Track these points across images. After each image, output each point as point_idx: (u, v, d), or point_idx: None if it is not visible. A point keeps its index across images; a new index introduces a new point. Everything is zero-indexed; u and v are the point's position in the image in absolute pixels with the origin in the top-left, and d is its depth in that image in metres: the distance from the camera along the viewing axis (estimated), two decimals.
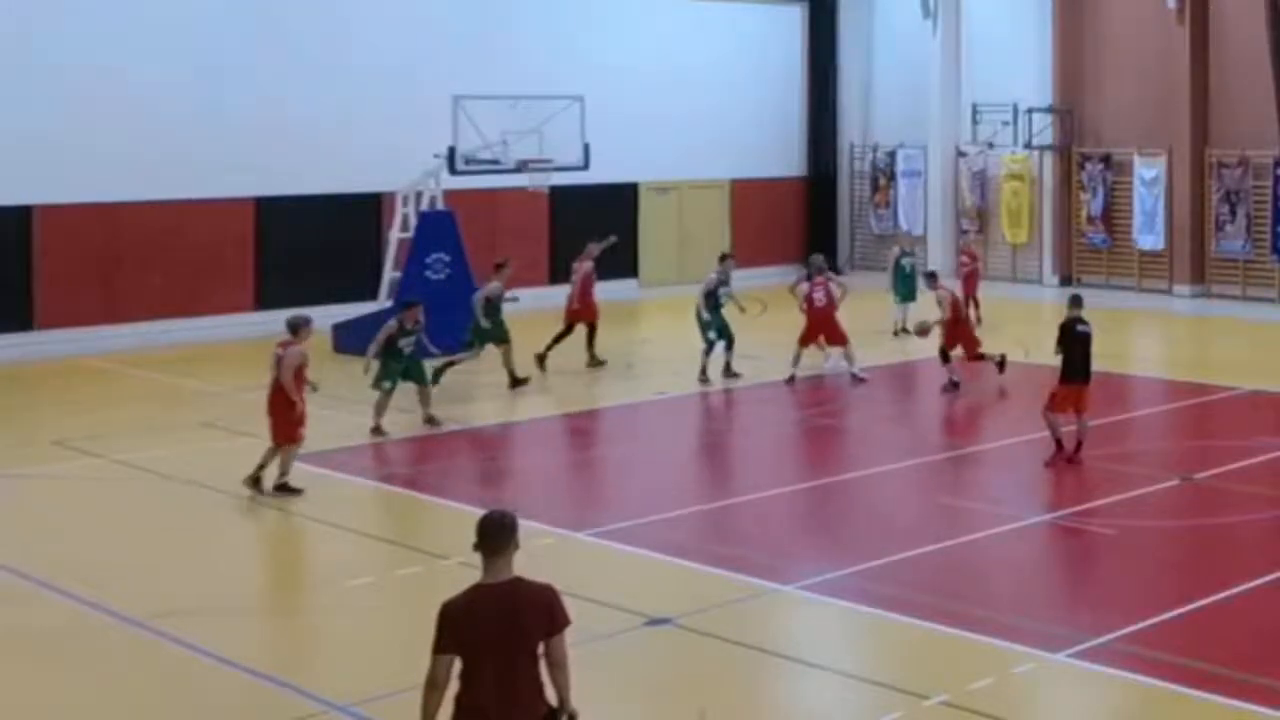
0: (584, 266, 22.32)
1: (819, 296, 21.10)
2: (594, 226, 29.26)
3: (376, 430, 17.30)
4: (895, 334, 24.85)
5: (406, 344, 17.41)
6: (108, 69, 24.30)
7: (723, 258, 22.08)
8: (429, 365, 18.29)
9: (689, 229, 31.41)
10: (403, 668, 8.86)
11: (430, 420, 17.68)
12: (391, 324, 17.46)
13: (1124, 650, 10.45)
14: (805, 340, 21.00)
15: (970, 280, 26.37)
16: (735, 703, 9.73)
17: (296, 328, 14.93)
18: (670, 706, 9.72)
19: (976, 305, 26.12)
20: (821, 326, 21.02)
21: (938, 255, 32.56)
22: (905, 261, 25.44)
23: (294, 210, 26.27)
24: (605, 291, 26.08)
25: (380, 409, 17.34)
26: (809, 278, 21.63)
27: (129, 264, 24.70)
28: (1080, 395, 16.03)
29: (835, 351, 21.28)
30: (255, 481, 14.66)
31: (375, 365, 17.21)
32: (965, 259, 26.98)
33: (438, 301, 20.32)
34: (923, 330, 21.07)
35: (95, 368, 21.99)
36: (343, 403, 19.12)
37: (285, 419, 14.71)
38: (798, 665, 10.50)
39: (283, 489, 14.63)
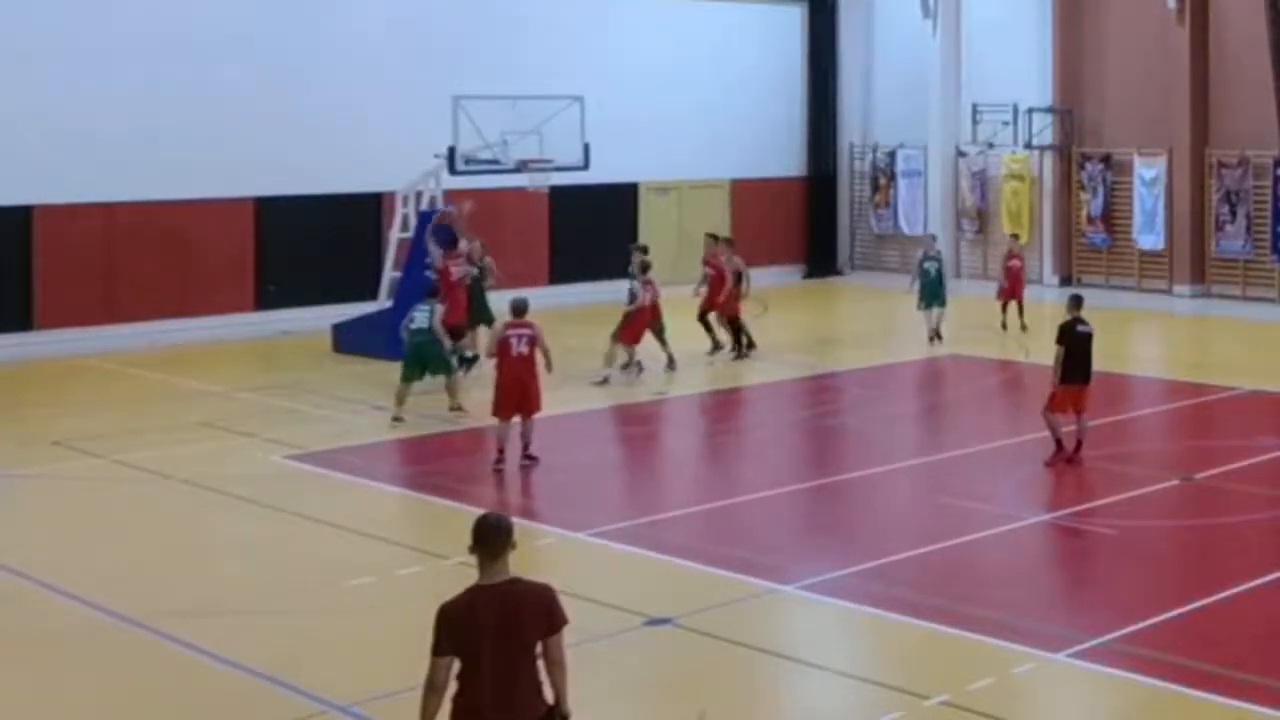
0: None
1: (647, 297, 21.05)
2: (594, 227, 29.42)
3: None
4: (930, 341, 23.80)
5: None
6: (108, 69, 24.30)
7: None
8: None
9: (689, 229, 31.37)
10: (403, 668, 8.87)
11: None
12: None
13: (1124, 650, 10.45)
14: (634, 339, 20.92)
15: (1017, 283, 25.39)
16: (735, 703, 9.72)
17: (524, 309, 16.09)
18: (670, 706, 9.72)
19: (1021, 310, 25.18)
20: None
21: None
22: (929, 265, 24.43)
23: (294, 210, 26.26)
24: (604, 291, 26.13)
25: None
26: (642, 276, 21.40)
27: (129, 264, 24.70)
28: (1080, 395, 16.02)
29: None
30: (527, 454, 15.73)
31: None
32: (1016, 262, 25.67)
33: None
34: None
35: (95, 368, 21.99)
36: (343, 403, 19.14)
37: (538, 390, 15.80)
38: (798, 665, 10.49)
39: (531, 457, 15.76)
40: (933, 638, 10.80)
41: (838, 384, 20.99)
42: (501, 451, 15.69)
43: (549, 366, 16.13)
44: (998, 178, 32.33)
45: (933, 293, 24.14)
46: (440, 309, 18.31)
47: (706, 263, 22.89)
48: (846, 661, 10.61)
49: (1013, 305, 25.25)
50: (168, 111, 24.78)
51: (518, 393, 15.69)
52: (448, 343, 18.53)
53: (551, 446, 17.61)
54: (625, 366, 20.82)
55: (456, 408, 18.14)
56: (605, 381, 20.23)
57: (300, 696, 9.71)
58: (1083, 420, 16.05)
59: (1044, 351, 18.86)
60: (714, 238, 23.70)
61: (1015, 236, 28.88)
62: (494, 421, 15.87)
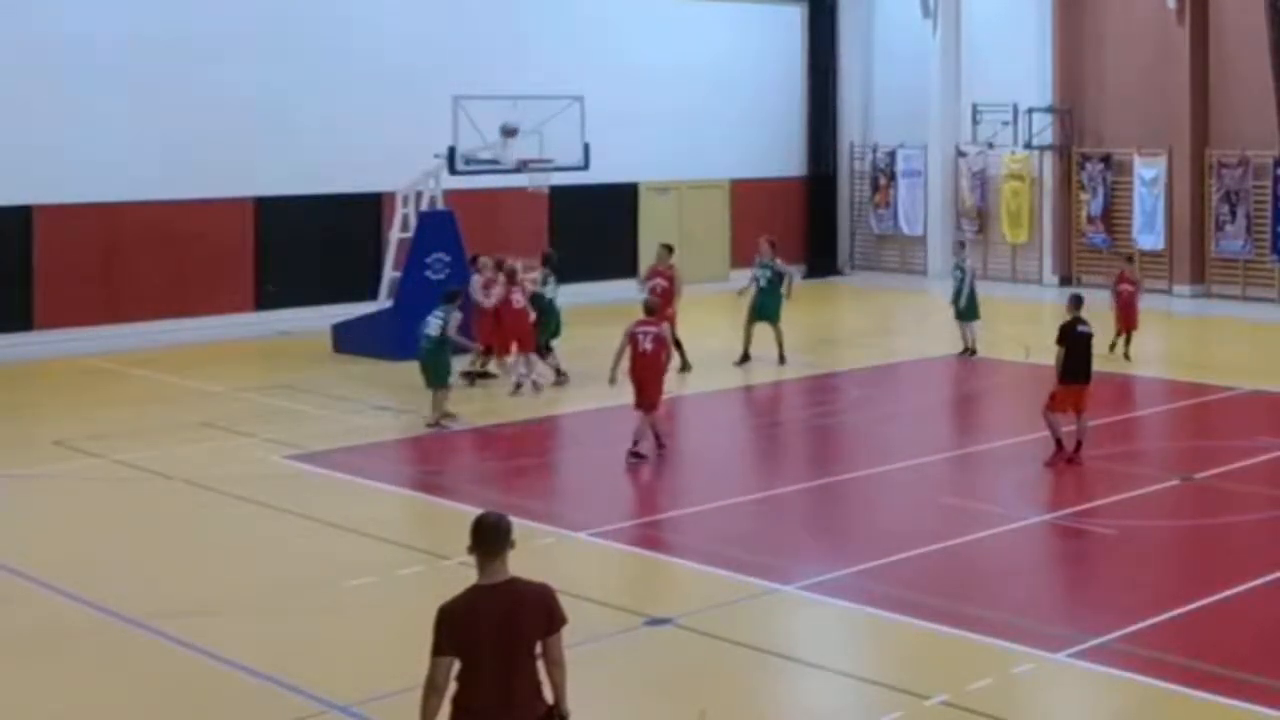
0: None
1: (518, 299, 19.97)
2: (594, 226, 29.41)
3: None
4: (961, 355, 22.65)
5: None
6: (107, 69, 24.31)
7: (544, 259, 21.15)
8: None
9: (689, 229, 31.40)
10: (403, 668, 8.86)
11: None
12: None
13: (1124, 650, 10.45)
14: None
15: (1128, 309, 22.39)
16: (735, 703, 9.72)
17: (655, 309, 16.89)
18: (670, 706, 9.72)
19: (1128, 340, 22.28)
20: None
21: (937, 255, 32.57)
22: (955, 274, 23.11)
23: (294, 210, 26.26)
24: (605, 291, 26.15)
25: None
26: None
27: (129, 264, 24.70)
28: (1080, 395, 16.02)
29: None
30: (660, 444, 16.39)
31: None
32: (1128, 287, 22.59)
33: (437, 302, 20.24)
34: None
35: (95, 368, 21.99)
36: (343, 403, 19.14)
37: (661, 385, 16.47)
38: (798, 665, 10.50)
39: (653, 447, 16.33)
40: (933, 638, 10.79)
41: (838, 384, 20.98)
42: (658, 438, 16.41)
43: (667, 364, 16.78)
44: (998, 178, 32.33)
45: (960, 302, 22.76)
46: (457, 316, 18.03)
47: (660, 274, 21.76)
48: (846, 661, 10.61)
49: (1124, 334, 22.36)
50: (167, 112, 24.79)
51: (645, 387, 16.35)
52: (465, 345, 17.97)
53: (552, 446, 17.62)
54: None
55: (434, 423, 17.64)
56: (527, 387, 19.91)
57: (300, 696, 9.71)
58: (1083, 420, 16.05)
59: (1044, 352, 18.85)
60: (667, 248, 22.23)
61: (1130, 259, 25.69)
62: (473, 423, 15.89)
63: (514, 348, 19.97)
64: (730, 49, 32.47)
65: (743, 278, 24.67)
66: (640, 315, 16.74)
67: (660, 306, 21.12)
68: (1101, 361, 16.68)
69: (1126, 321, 22.37)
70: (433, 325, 17.84)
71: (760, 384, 20.98)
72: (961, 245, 24.80)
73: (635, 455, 16.07)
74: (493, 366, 20.53)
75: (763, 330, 21.98)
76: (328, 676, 10.01)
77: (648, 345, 16.33)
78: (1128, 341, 22.28)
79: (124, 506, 14.69)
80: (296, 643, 10.79)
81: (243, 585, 12.10)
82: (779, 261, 22.56)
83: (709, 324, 22.85)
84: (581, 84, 24.67)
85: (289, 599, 11.75)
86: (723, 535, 13.49)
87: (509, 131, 22.63)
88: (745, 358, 21.82)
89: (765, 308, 22.10)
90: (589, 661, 9.30)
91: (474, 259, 21.10)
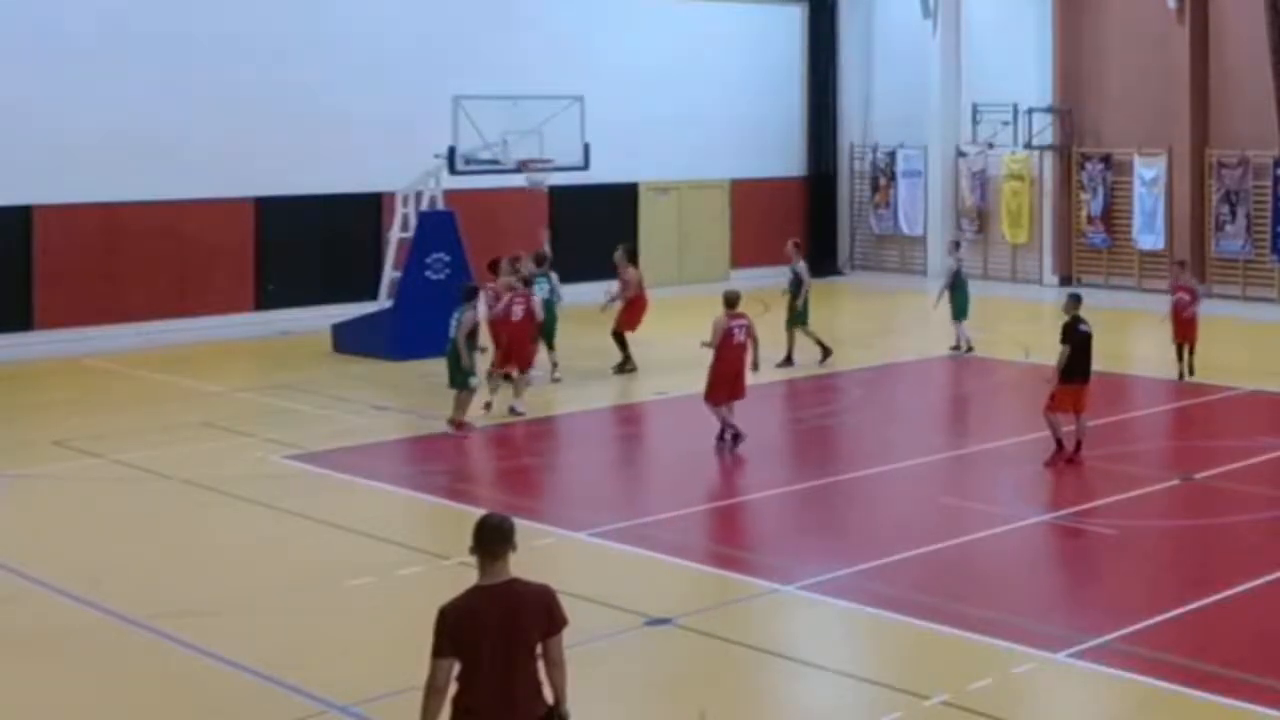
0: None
1: (517, 311, 18.74)
2: (594, 226, 29.37)
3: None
4: (954, 348, 22.84)
5: None
6: (108, 69, 24.31)
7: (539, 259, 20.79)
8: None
9: (689, 229, 31.40)
10: (403, 668, 8.87)
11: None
12: None
13: (1124, 650, 10.45)
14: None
15: (1186, 322, 20.70)
16: (735, 703, 9.73)
17: (738, 300, 16.90)
18: (670, 706, 9.73)
19: (1192, 352, 20.71)
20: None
21: (937, 256, 32.56)
22: (947, 272, 23.26)
23: (294, 210, 26.27)
24: (605, 291, 26.12)
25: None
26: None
27: (129, 264, 24.71)
28: (1080, 395, 16.03)
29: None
30: (735, 438, 16.53)
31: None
32: (1184, 296, 20.83)
33: (437, 302, 20.27)
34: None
35: (95, 368, 21.99)
36: (343, 403, 19.14)
37: (745, 377, 16.70)
38: (798, 665, 10.50)
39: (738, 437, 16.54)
40: (933, 638, 10.80)
41: (838, 384, 20.97)
42: (728, 427, 16.56)
43: (755, 359, 17.03)
44: (998, 178, 32.33)
45: (955, 301, 22.80)
46: (469, 315, 17.54)
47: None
48: (846, 661, 10.61)
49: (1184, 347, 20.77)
50: (168, 111, 24.79)
51: (733, 379, 16.60)
52: (465, 358, 17.49)
53: (552, 446, 17.62)
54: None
55: (455, 422, 17.54)
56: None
57: (300, 696, 9.72)
58: (1082, 420, 16.05)
59: (1044, 352, 18.85)
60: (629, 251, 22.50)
61: (1182, 264, 22.83)
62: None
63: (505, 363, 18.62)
64: (730, 49, 32.46)
65: (742, 278, 24.70)
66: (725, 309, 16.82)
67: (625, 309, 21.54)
68: (1108, 362, 16.64)
69: (1185, 335, 20.66)
70: (451, 325, 17.77)
71: (760, 384, 20.95)
72: (956, 245, 24.70)
73: (736, 439, 16.50)
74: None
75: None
76: (328, 676, 10.01)
77: (742, 337, 16.72)
78: (1191, 353, 20.69)
79: (124, 506, 14.69)
80: (296, 643, 10.79)
81: (243, 585, 12.10)
82: (800, 265, 22.35)
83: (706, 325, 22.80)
84: (581, 84, 24.67)
85: (289, 599, 11.75)
86: (723, 535, 13.50)
87: (535, 181, 22.84)
88: (788, 360, 21.67)
89: (792, 311, 22.00)
90: (589, 661, 9.30)
91: (494, 263, 19.85)
